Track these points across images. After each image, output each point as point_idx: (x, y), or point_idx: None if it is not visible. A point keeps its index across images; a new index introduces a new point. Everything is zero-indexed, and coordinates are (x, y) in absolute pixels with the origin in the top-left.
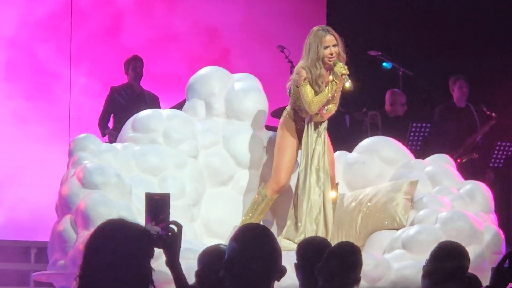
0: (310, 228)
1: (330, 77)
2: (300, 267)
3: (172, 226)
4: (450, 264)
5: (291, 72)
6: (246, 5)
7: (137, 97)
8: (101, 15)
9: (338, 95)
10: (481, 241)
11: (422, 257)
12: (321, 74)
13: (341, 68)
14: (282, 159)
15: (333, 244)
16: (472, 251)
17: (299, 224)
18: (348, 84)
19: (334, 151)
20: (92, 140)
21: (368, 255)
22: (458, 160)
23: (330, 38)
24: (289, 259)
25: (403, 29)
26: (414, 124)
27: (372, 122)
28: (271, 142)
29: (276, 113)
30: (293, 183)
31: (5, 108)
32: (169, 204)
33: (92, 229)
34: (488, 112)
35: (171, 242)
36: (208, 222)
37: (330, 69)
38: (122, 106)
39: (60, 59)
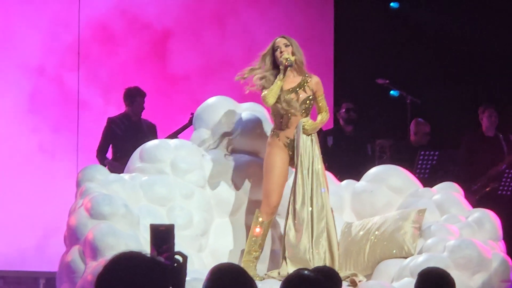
0: (317, 257)
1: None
2: None
3: (177, 256)
4: None
5: None
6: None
7: (134, 127)
8: (136, 40)
9: (323, 102)
10: (489, 269)
11: None
12: (268, 77)
13: (285, 55)
14: (271, 180)
15: (341, 274)
16: (480, 279)
17: (302, 252)
18: (287, 58)
19: (343, 179)
20: (100, 171)
21: (377, 283)
22: (482, 190)
23: (280, 39)
24: None
25: (411, 57)
26: (422, 152)
27: (380, 151)
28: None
29: None
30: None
31: (30, 140)
32: (173, 234)
33: (100, 260)
34: None
35: (176, 272)
36: (216, 252)
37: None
38: (120, 136)
39: (90, 87)
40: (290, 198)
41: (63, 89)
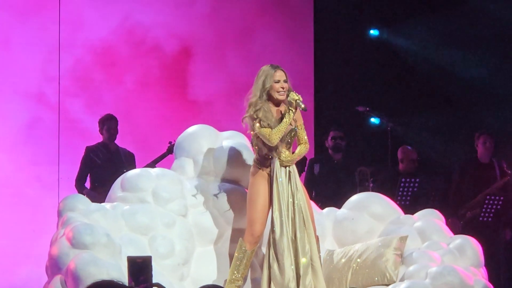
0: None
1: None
2: None
3: None
4: None
5: None
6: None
7: (112, 156)
8: (141, 64)
9: (303, 133)
10: None
11: None
12: (262, 107)
13: (294, 95)
14: (254, 210)
15: None
16: None
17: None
18: (303, 106)
19: (325, 207)
20: (81, 200)
21: None
22: (466, 215)
23: (280, 74)
24: None
25: (391, 85)
26: (403, 179)
27: (362, 178)
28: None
29: None
30: None
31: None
32: (151, 266)
33: None
34: (505, 170)
35: None
36: (198, 281)
37: (279, 104)
38: (98, 165)
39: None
40: (270, 228)
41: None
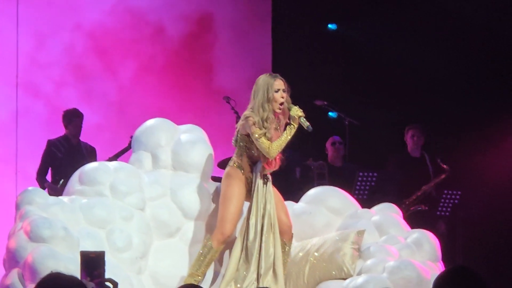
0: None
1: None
2: None
3: (107, 283)
4: None
5: (237, 122)
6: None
7: (74, 150)
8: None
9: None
10: None
11: None
12: (268, 116)
13: (298, 110)
14: (228, 210)
15: None
16: None
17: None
18: (307, 125)
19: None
20: (39, 194)
21: None
22: (406, 210)
23: (280, 83)
24: None
25: (349, 79)
26: (361, 173)
27: (319, 172)
28: (217, 193)
29: (223, 164)
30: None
31: None
32: (104, 261)
33: None
34: (441, 165)
35: None
36: (156, 274)
37: (279, 114)
38: (59, 159)
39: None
40: (243, 233)
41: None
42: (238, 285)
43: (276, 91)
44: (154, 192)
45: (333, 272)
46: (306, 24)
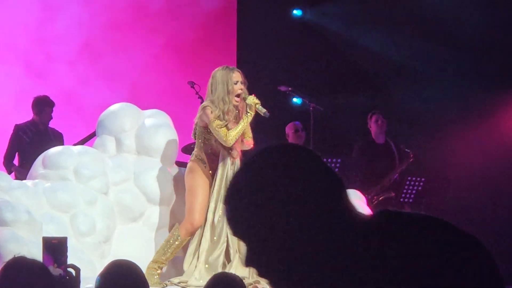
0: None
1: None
2: None
3: (70, 269)
4: None
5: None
6: (160, 39)
7: (41, 134)
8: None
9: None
10: None
11: None
12: (229, 109)
13: (254, 99)
14: (195, 200)
15: (244, 281)
16: None
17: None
18: (264, 111)
19: None
20: (3, 177)
21: None
22: (375, 198)
23: (238, 75)
24: None
25: (314, 65)
26: (325, 160)
27: None
28: (181, 179)
29: (187, 149)
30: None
31: None
32: (66, 247)
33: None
34: (406, 150)
35: (70, 284)
36: (119, 259)
37: (237, 104)
38: (27, 143)
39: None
40: (207, 214)
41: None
42: (202, 258)
43: (235, 83)
44: (118, 176)
45: None
46: (271, 10)
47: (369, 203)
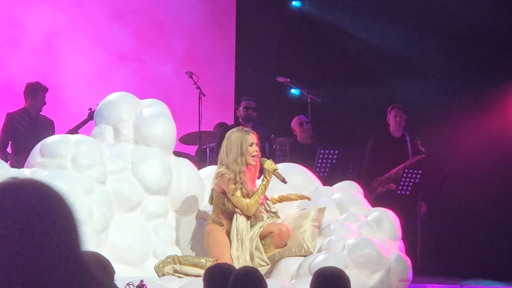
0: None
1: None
2: None
3: None
4: None
5: (200, 97)
6: (160, 30)
7: (34, 122)
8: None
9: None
10: (388, 268)
11: None
12: (241, 170)
13: (272, 164)
14: (224, 255)
15: None
16: (379, 278)
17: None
18: (282, 178)
19: None
20: (0, 165)
21: (275, 282)
22: (379, 189)
23: (253, 136)
24: (196, 286)
25: (312, 56)
26: (322, 151)
27: (280, 149)
28: (179, 169)
29: (185, 139)
30: None
31: None
32: None
33: None
34: (420, 147)
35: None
36: (115, 248)
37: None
38: (20, 132)
39: None
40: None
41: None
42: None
43: (250, 145)
44: (116, 165)
45: (293, 249)
46: (270, 1)
47: (370, 193)
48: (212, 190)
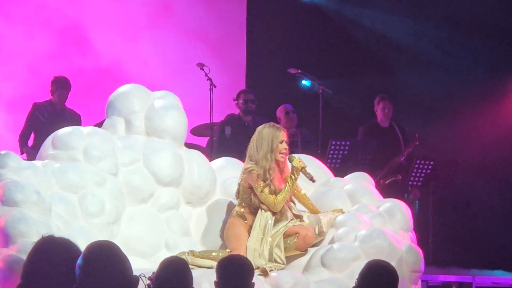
0: None
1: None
2: (220, 285)
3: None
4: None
5: (211, 88)
6: (169, 20)
7: (57, 115)
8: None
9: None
10: (399, 259)
11: (341, 275)
12: (271, 166)
13: (300, 162)
14: (240, 248)
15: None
16: None
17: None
18: (310, 176)
19: None
20: (12, 158)
21: (288, 273)
22: (382, 181)
23: (284, 134)
24: (208, 277)
25: (323, 47)
26: (334, 142)
27: (291, 140)
28: (191, 160)
29: (196, 131)
30: None
31: None
32: None
33: (11, 246)
34: (411, 133)
35: None
36: (127, 240)
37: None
38: (42, 123)
39: None
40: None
41: None
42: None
43: (281, 142)
44: (127, 157)
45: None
46: None
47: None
48: (239, 184)
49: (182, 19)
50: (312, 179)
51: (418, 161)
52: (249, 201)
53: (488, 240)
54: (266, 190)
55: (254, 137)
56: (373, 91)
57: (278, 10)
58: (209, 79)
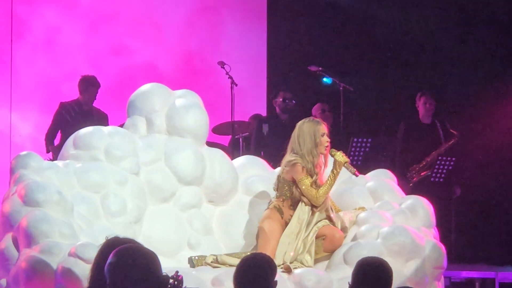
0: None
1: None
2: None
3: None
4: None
5: (232, 87)
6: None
7: (84, 115)
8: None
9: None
10: (422, 256)
11: None
12: (318, 162)
13: (343, 156)
14: (267, 245)
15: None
16: (413, 265)
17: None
18: (353, 170)
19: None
20: (34, 158)
21: (310, 271)
22: (416, 176)
23: (324, 127)
24: (231, 276)
25: (344, 45)
26: (355, 139)
27: None
28: (212, 158)
29: (217, 129)
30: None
31: None
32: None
33: (34, 247)
34: (450, 130)
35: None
36: (150, 239)
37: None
38: (69, 123)
39: None
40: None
41: None
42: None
43: (322, 135)
44: (149, 156)
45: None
46: None
47: (408, 181)
48: (279, 177)
49: (202, 17)
50: (355, 174)
51: (440, 158)
52: (289, 194)
53: (511, 236)
54: (308, 182)
55: (295, 133)
56: (394, 88)
57: (299, 7)
58: (230, 77)
